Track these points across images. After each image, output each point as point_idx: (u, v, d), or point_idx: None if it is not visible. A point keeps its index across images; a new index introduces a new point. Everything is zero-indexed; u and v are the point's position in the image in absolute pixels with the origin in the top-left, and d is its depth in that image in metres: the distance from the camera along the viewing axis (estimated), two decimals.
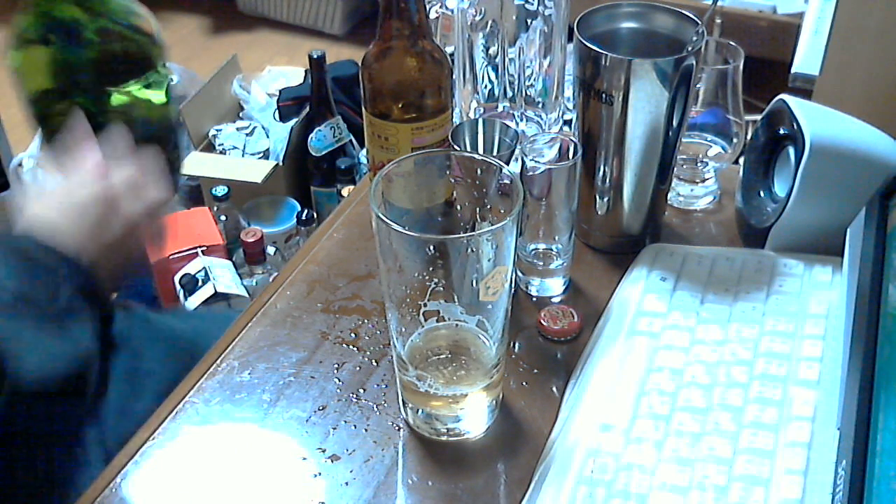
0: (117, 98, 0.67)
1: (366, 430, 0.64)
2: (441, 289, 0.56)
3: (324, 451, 0.63)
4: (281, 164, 1.85)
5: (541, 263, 0.74)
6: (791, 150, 0.75)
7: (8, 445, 0.65)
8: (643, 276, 0.74)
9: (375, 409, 0.66)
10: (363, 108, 0.77)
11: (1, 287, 0.62)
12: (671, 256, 0.76)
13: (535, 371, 0.68)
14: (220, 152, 1.96)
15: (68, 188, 0.71)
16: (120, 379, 0.84)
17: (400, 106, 0.76)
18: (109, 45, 0.66)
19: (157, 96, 0.69)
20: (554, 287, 0.75)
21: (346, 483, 0.60)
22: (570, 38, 0.75)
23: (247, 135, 1.99)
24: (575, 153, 0.68)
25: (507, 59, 0.82)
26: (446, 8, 0.92)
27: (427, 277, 0.55)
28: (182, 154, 0.72)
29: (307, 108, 1.90)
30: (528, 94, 0.84)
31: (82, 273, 0.66)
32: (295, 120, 1.89)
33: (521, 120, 0.85)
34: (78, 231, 0.68)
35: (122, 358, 0.85)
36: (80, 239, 0.67)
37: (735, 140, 0.82)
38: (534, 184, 0.69)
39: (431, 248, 0.54)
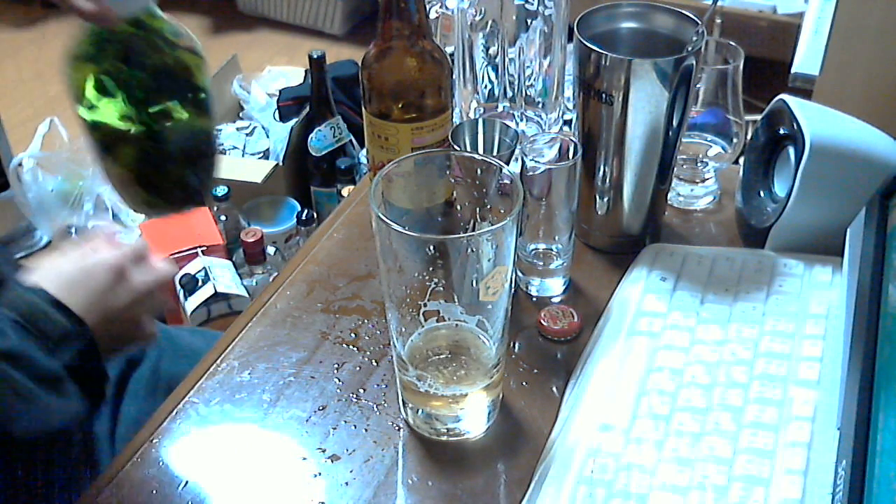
0: (162, 112, 0.71)
1: (366, 430, 0.64)
2: (441, 289, 0.56)
3: (324, 451, 0.63)
4: (281, 164, 1.85)
5: (541, 263, 0.74)
6: (791, 150, 0.75)
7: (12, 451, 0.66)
8: (643, 276, 0.74)
9: (375, 409, 0.66)
10: (363, 108, 0.77)
11: (3, 335, 0.63)
12: (671, 256, 0.76)
13: (535, 371, 0.68)
14: (220, 152, 1.96)
15: (81, 252, 0.73)
16: (139, 393, 0.84)
17: (400, 106, 0.76)
18: (158, 61, 0.70)
19: (199, 111, 0.73)
20: (554, 287, 0.75)
21: (346, 483, 0.60)
22: (570, 38, 0.75)
23: (247, 135, 1.98)
24: (575, 153, 0.68)
25: (507, 59, 0.82)
26: (446, 8, 0.92)
27: (427, 277, 0.55)
28: (217, 167, 0.77)
29: (307, 108, 1.90)
30: (528, 94, 0.84)
31: (84, 336, 0.67)
32: (295, 120, 1.89)
33: (521, 120, 0.85)
34: (85, 295, 0.69)
35: (142, 371, 0.86)
36: (86, 302, 0.68)
37: (735, 140, 0.82)
38: (534, 184, 0.69)
39: (431, 248, 0.54)
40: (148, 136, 0.71)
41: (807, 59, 1.20)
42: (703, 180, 0.84)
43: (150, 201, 0.73)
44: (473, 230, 0.61)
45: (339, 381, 0.68)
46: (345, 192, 1.82)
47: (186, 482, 0.61)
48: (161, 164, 0.72)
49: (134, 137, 0.70)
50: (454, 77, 0.83)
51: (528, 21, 0.80)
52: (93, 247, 0.74)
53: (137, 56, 0.68)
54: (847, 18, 1.14)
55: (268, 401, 0.66)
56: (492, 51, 0.82)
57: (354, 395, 0.67)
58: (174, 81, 0.71)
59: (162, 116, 0.71)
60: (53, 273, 0.69)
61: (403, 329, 0.59)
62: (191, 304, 1.45)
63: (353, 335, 0.72)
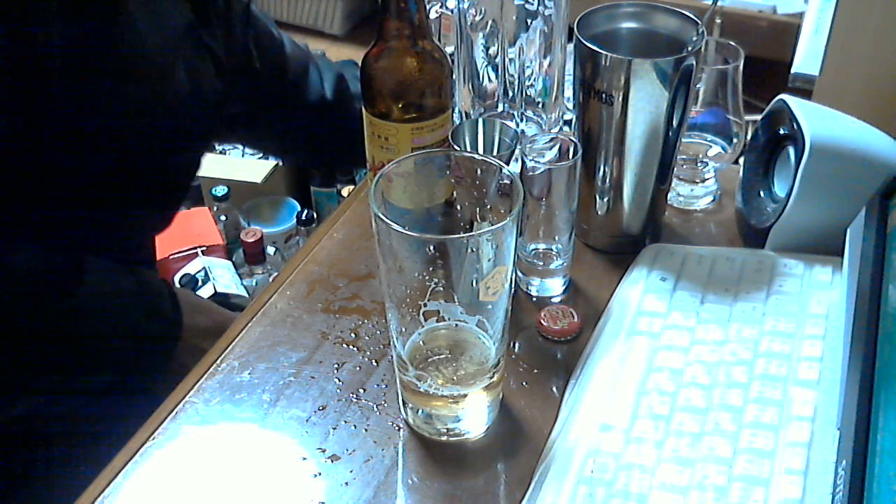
0: None
1: (366, 430, 0.64)
2: (441, 289, 0.56)
3: (324, 451, 0.63)
4: (281, 163, 1.85)
5: (541, 263, 0.74)
6: (791, 150, 0.75)
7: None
8: (643, 276, 0.74)
9: (375, 409, 0.66)
10: (363, 108, 0.77)
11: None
12: (671, 256, 0.76)
13: (535, 371, 0.68)
14: (220, 152, 1.96)
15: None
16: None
17: (400, 106, 0.76)
18: None
19: None
20: (554, 287, 0.75)
21: (346, 483, 0.60)
22: (570, 38, 0.75)
23: None
24: (575, 153, 0.68)
25: (507, 59, 0.82)
26: (446, 8, 0.92)
27: (427, 277, 0.55)
28: None
29: None
30: (528, 94, 0.84)
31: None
32: None
33: (521, 120, 0.85)
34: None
35: None
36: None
37: (735, 140, 0.82)
38: (534, 184, 0.69)
39: (431, 248, 0.54)
40: None
41: (807, 59, 1.20)
42: (703, 180, 0.84)
43: None
44: (473, 230, 0.61)
45: (339, 381, 0.68)
46: (345, 192, 1.82)
47: (187, 482, 0.61)
48: None
49: None
50: (454, 77, 0.83)
51: (528, 21, 0.79)
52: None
53: None
54: (847, 18, 1.14)
55: (268, 401, 0.66)
56: (492, 51, 0.82)
57: (354, 395, 0.67)
58: None
59: None
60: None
61: (403, 329, 0.59)
62: None
63: (353, 335, 0.72)
